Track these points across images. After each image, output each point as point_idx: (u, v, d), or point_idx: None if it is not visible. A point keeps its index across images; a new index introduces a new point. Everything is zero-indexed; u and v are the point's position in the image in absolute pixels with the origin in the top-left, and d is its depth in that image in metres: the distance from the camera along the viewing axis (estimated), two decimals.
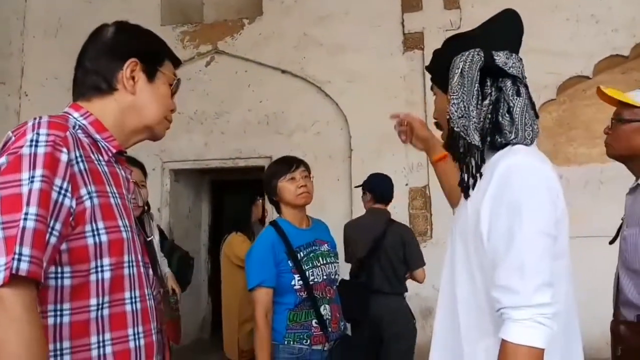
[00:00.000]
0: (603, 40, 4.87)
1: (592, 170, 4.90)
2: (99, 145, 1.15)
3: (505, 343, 1.10)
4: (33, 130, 1.02)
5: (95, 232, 1.05)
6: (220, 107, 5.62)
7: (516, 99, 1.26)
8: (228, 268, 3.77)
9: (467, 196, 1.29)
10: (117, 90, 1.20)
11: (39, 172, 0.98)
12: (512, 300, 1.10)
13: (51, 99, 5.52)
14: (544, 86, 4.80)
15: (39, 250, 0.94)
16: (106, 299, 1.06)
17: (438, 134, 1.49)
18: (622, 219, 2.04)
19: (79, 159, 1.06)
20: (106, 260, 1.07)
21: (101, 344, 1.05)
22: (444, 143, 1.40)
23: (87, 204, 1.05)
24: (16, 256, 0.91)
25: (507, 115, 1.26)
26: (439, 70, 1.36)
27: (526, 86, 1.31)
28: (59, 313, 1.02)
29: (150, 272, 1.22)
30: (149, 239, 1.32)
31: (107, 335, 1.06)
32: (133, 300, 1.12)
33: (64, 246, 1.02)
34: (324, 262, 2.30)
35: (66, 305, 1.02)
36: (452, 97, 1.29)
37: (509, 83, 1.27)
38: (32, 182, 0.96)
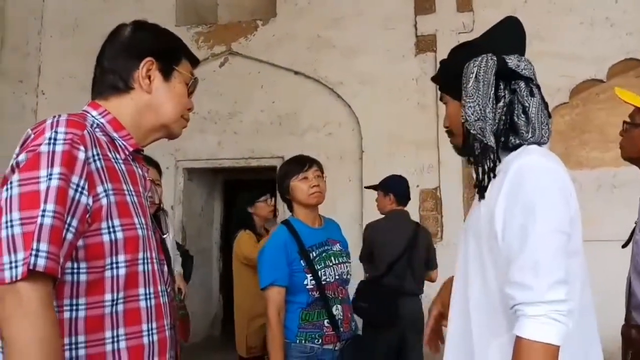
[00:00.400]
0: (617, 43, 4.83)
1: (605, 174, 4.86)
2: (117, 143, 1.17)
3: (520, 339, 1.10)
4: (51, 129, 1.04)
5: (111, 229, 1.07)
6: (234, 108, 5.66)
7: (531, 99, 1.29)
8: (237, 265, 3.80)
9: (482, 197, 1.30)
10: (133, 89, 1.21)
11: (56, 169, 1.00)
12: (526, 296, 1.11)
13: (67, 97, 5.60)
14: (557, 89, 4.77)
15: (56, 247, 0.96)
16: (121, 294, 1.08)
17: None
18: (635, 223, 2.03)
19: (96, 157, 1.08)
20: (121, 257, 1.08)
21: (115, 339, 1.07)
22: (457, 147, 1.42)
23: (104, 201, 1.06)
24: (33, 252, 0.93)
25: (522, 115, 1.28)
26: (449, 78, 1.39)
27: (538, 87, 1.33)
28: (74, 307, 1.03)
29: (165, 269, 1.23)
30: (165, 236, 1.34)
31: (122, 331, 1.08)
32: (147, 296, 1.13)
33: (80, 242, 1.03)
34: (336, 262, 2.30)
35: (82, 300, 1.04)
36: (467, 101, 1.31)
37: (522, 84, 1.30)
38: (50, 179, 0.98)
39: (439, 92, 1.51)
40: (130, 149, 1.20)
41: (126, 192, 1.13)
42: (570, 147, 5.03)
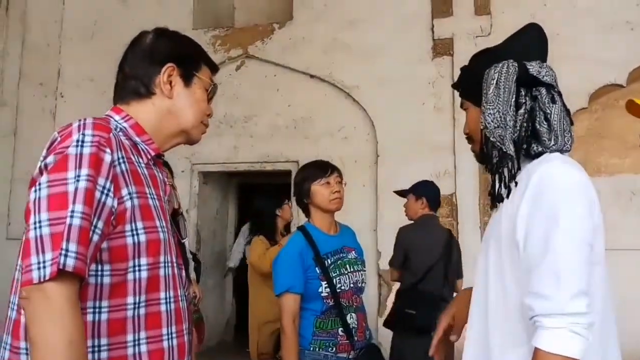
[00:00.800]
0: (638, 48, 4.77)
1: (624, 180, 4.80)
2: (139, 147, 1.19)
3: (538, 351, 1.09)
4: (79, 131, 1.06)
5: (135, 232, 1.09)
6: (250, 111, 5.68)
7: (552, 106, 1.28)
8: (250, 270, 3.83)
9: (493, 206, 1.30)
10: (154, 95, 1.23)
11: (84, 171, 1.01)
12: (545, 307, 1.09)
13: (86, 100, 5.67)
14: (575, 94, 4.72)
15: (84, 247, 0.98)
16: (142, 298, 1.09)
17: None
18: None
19: (121, 160, 1.09)
20: (144, 260, 1.10)
21: (137, 342, 1.08)
22: (476, 154, 1.41)
23: (128, 204, 1.08)
24: (63, 252, 0.95)
25: (544, 122, 1.27)
26: (470, 84, 1.38)
27: (560, 94, 1.32)
28: (97, 310, 1.05)
29: (183, 273, 1.24)
30: (183, 240, 1.35)
31: (143, 334, 1.09)
32: (168, 300, 1.14)
33: (104, 244, 1.05)
34: (351, 269, 2.28)
35: (104, 303, 1.05)
36: (487, 108, 1.30)
37: (543, 91, 1.29)
38: (78, 180, 1.00)
39: (455, 97, 1.51)
40: (152, 154, 1.21)
41: (149, 196, 1.14)
42: (589, 153, 4.97)
